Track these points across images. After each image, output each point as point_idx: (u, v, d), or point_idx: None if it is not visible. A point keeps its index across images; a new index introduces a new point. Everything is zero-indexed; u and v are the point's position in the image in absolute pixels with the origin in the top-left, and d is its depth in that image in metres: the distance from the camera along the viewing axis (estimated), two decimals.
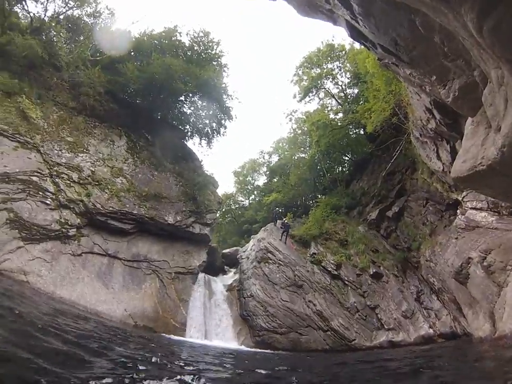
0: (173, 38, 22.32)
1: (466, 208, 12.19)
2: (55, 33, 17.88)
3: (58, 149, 15.29)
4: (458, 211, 13.25)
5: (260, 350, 14.87)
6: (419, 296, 15.89)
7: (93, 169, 16.06)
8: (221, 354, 10.22)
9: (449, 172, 9.53)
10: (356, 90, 30.46)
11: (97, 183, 15.83)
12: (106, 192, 15.86)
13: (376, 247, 18.93)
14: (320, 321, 15.98)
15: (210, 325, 16.73)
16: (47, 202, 13.96)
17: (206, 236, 19.05)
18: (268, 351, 14.79)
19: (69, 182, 15.00)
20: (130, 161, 17.89)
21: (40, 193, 13.84)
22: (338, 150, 29.76)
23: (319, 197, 29.80)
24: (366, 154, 26.19)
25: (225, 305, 17.98)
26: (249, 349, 15.08)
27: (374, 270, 17.21)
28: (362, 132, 28.20)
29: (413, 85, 10.24)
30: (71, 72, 17.51)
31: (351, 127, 28.93)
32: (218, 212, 26.98)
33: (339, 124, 28.09)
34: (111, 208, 15.62)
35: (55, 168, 14.74)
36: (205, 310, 17.18)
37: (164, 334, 14.36)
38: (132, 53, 21.07)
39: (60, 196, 14.44)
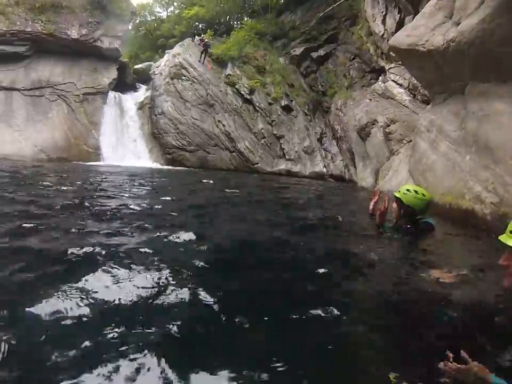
0: None
1: (388, 79, 13.05)
2: None
3: None
4: (380, 78, 14.14)
5: (171, 167, 15.80)
6: (321, 138, 17.96)
7: None
8: (140, 173, 10.78)
9: (388, 40, 9.62)
10: None
11: None
12: None
13: (293, 82, 19.12)
14: (228, 141, 17.01)
15: (124, 145, 16.75)
16: None
17: (116, 50, 16.86)
18: (179, 168, 15.81)
19: None
20: None
21: None
22: None
23: (246, 19, 27.21)
24: None
25: (137, 124, 17.74)
26: (161, 167, 15.86)
27: (286, 103, 17.82)
28: None
29: None
30: None
31: None
32: (131, 23, 23.04)
33: None
34: None
35: None
36: (117, 131, 16.82)
37: (80, 162, 14.17)
38: None
39: None
